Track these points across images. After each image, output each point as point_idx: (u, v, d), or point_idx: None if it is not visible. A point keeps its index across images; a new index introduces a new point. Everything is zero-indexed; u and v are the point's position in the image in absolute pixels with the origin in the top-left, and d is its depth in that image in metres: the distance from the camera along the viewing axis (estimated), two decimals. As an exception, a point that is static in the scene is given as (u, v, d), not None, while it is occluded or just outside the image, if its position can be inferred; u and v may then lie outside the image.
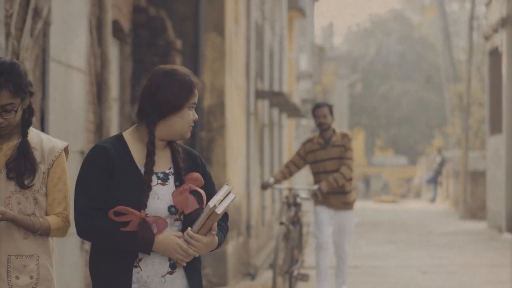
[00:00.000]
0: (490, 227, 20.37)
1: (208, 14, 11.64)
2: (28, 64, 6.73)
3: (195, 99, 3.56)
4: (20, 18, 6.70)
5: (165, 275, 3.52)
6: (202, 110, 11.69)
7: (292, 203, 9.68)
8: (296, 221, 9.69)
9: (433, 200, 34.88)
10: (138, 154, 3.55)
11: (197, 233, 3.47)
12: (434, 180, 34.22)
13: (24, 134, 3.78)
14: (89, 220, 3.46)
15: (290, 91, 24.23)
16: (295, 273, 9.56)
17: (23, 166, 3.73)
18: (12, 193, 3.75)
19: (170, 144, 3.64)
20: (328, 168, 9.33)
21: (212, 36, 11.72)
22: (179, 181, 3.57)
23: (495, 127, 20.28)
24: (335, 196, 9.37)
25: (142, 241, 3.44)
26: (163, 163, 3.60)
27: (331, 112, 9.42)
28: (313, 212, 9.54)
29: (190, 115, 3.55)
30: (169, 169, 3.59)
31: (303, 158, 9.55)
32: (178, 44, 10.80)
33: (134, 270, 3.49)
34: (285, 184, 11.80)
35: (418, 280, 11.78)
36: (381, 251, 15.81)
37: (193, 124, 3.58)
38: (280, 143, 21.63)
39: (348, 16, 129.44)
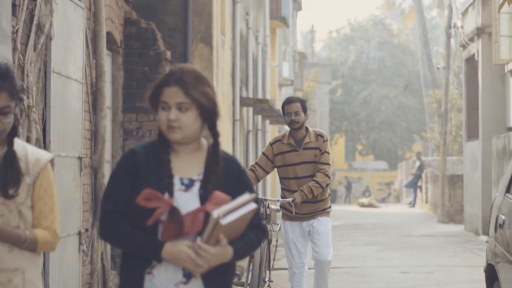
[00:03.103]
0: (467, 230, 20.76)
1: (196, 26, 12.13)
2: (32, 76, 7.16)
3: (163, 97, 3.32)
4: (24, 33, 7.13)
5: (179, 284, 3.37)
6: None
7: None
8: None
9: (412, 204, 35.20)
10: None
11: (206, 243, 3.29)
12: (413, 185, 34.47)
13: (10, 143, 3.59)
14: (109, 223, 3.38)
15: (273, 98, 24.73)
16: None
17: (8, 175, 3.53)
18: None
19: (208, 148, 3.44)
20: (300, 173, 7.93)
21: (200, 46, 12.20)
22: (204, 189, 3.38)
23: (472, 133, 20.70)
24: (308, 205, 7.97)
25: (151, 248, 3.32)
26: (192, 168, 3.41)
27: (304, 109, 7.98)
28: (282, 229, 8.16)
29: (163, 114, 3.34)
30: (198, 175, 3.40)
31: (271, 161, 8.03)
32: (168, 54, 11.25)
33: (148, 276, 3.37)
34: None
35: (397, 279, 12.19)
36: (362, 252, 16.19)
37: (168, 124, 3.33)
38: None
39: (329, 22, 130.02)
